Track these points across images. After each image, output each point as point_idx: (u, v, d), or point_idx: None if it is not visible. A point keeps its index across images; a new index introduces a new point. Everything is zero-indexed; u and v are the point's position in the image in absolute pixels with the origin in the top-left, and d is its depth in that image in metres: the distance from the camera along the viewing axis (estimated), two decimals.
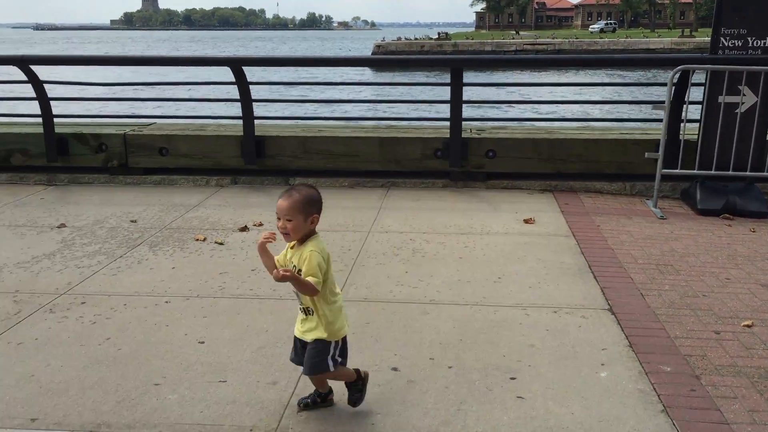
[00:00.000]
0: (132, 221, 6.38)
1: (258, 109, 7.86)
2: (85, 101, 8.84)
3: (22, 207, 6.86)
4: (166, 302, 4.55)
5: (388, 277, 4.98)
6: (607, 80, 41.07)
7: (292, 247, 3.10)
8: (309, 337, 3.10)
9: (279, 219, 3.03)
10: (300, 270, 3.00)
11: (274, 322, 4.23)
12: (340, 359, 3.13)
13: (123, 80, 9.34)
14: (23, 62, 7.43)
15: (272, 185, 7.75)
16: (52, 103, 7.80)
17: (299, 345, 3.19)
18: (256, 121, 7.80)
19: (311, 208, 3.05)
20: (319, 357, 3.09)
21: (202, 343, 3.95)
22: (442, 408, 3.26)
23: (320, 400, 3.30)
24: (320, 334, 3.08)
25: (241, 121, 7.77)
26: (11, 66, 7.59)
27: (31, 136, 7.88)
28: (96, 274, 5.06)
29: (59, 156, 7.80)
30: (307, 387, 3.45)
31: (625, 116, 18.57)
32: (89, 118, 8.63)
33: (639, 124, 8.93)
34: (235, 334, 4.07)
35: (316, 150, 7.78)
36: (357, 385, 3.26)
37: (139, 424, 3.14)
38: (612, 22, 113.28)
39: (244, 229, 6.13)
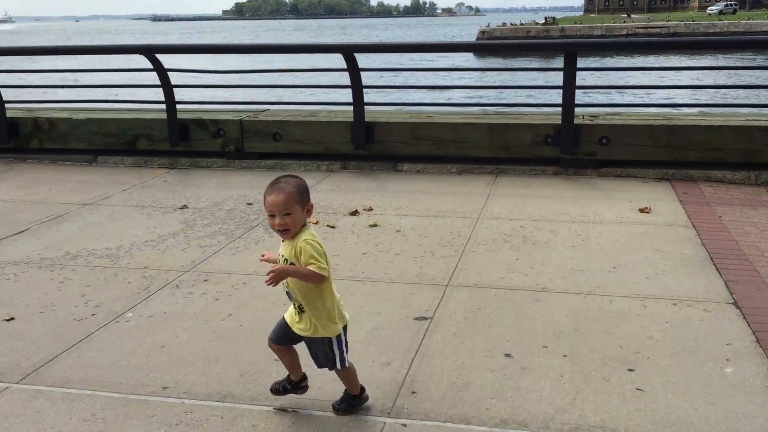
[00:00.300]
0: (248, 204, 6.63)
1: (366, 96, 7.96)
2: (203, 88, 9.24)
3: (147, 189, 7.27)
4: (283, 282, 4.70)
5: (499, 263, 4.96)
6: (723, 64, 38.86)
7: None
8: (305, 334, 2.97)
9: (274, 216, 2.80)
10: (292, 263, 2.85)
11: (386, 305, 4.31)
12: (347, 351, 3.01)
13: (239, 68, 9.67)
14: (149, 51, 7.84)
15: (381, 171, 7.85)
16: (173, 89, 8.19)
17: (287, 331, 3.03)
18: (366, 107, 7.90)
19: (305, 196, 2.87)
20: (326, 354, 2.99)
21: None
22: (558, 396, 3.23)
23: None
24: (316, 333, 2.95)
25: (350, 107, 7.91)
26: (138, 55, 8.02)
27: (155, 121, 8.31)
28: (217, 253, 5.30)
29: (181, 141, 8.19)
30: (420, 369, 3.50)
31: (747, 102, 17.52)
32: (207, 104, 9.01)
33: (765, 110, 8.43)
34: (348, 315, 4.15)
35: (425, 136, 7.81)
36: (355, 400, 3.14)
37: (262, 397, 3.28)
38: (732, 3, 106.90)
39: (355, 213, 6.24)
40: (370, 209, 6.36)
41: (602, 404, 3.15)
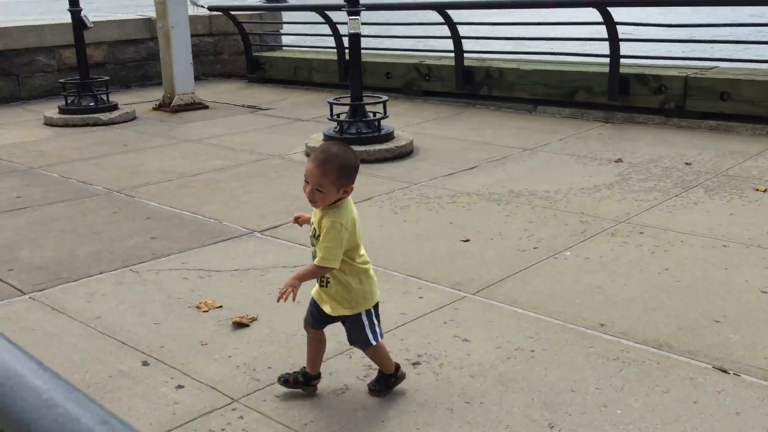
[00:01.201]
0: (686, 163, 6.39)
1: None
2: (646, 42, 9.04)
3: (583, 140, 7.48)
4: (724, 246, 4.50)
5: None
6: None
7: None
8: (333, 313, 2.85)
9: (307, 183, 2.70)
10: (319, 235, 2.74)
11: None
12: (378, 330, 2.90)
13: (686, 22, 9.20)
14: (602, 5, 7.92)
15: None
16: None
17: (315, 310, 2.90)
18: None
19: (346, 179, 2.69)
20: (357, 332, 2.88)
21: (765, 293, 3.82)
22: None
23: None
24: (342, 311, 2.83)
25: None
26: (588, 8, 8.19)
27: (596, 75, 8.42)
28: (652, 208, 5.27)
29: (619, 95, 8.18)
30: None
31: None
32: (648, 59, 8.79)
33: None
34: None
35: None
36: (390, 379, 3.00)
37: (701, 354, 3.25)
38: None
39: None
40: None
41: None
